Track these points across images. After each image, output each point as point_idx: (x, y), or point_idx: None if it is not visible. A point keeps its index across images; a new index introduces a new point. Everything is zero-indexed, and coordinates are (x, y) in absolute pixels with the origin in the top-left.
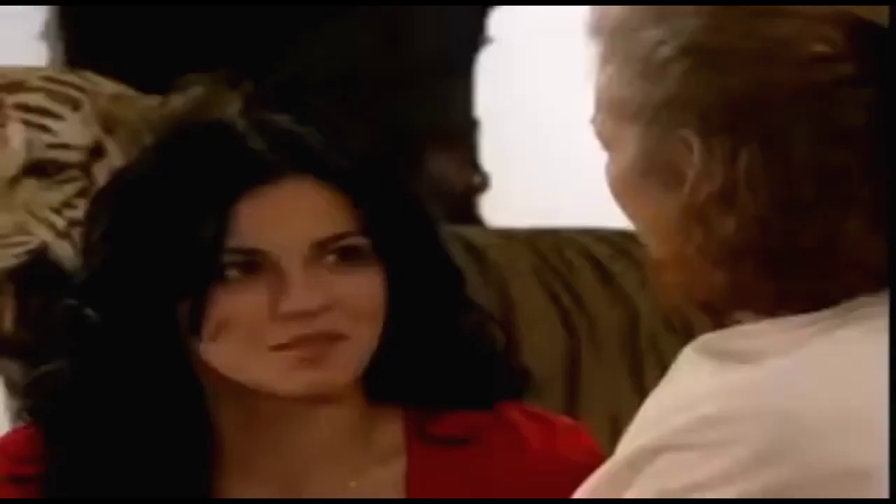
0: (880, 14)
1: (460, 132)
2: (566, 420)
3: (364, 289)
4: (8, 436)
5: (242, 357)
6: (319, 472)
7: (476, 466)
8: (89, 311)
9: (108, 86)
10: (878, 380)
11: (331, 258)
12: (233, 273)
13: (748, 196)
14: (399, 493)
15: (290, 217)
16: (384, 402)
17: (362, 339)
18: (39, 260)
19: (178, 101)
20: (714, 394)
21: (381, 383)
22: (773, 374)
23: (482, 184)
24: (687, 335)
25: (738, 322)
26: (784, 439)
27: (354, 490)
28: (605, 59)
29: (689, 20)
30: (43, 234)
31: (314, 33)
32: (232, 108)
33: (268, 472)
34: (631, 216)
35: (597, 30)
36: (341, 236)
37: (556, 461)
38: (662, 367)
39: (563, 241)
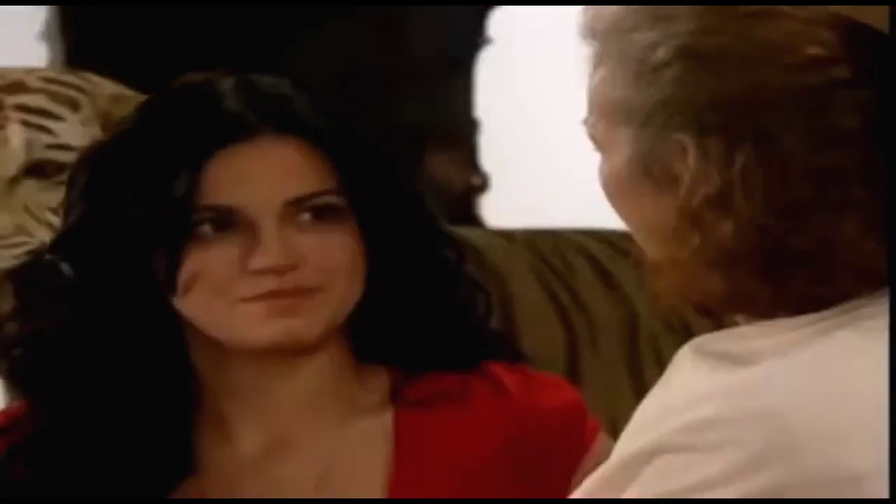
0: (880, 14)
1: (460, 132)
2: (549, 374)
3: (336, 246)
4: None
5: (212, 309)
6: (304, 424)
7: (461, 417)
8: (65, 267)
9: (108, 86)
10: (874, 382)
11: (305, 216)
12: (205, 229)
13: (744, 199)
14: (387, 443)
15: (264, 175)
16: (370, 361)
17: (336, 292)
18: (38, 260)
19: None
20: (711, 395)
21: (365, 343)
22: (770, 375)
23: (482, 184)
24: (686, 335)
25: (736, 323)
26: (781, 441)
27: (342, 439)
28: (598, 60)
29: (683, 23)
30: (42, 235)
31: (314, 33)
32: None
33: (251, 425)
34: (625, 218)
35: (590, 31)
36: (315, 195)
37: (538, 410)
38: (662, 367)
39: (562, 242)
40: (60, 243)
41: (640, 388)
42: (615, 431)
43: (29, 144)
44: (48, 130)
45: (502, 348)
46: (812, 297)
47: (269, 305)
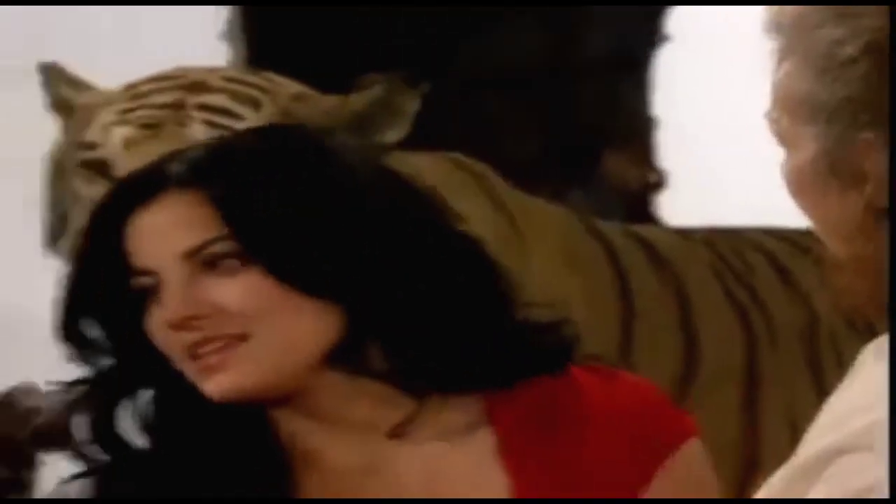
0: (880, 14)
1: (637, 131)
2: (631, 375)
3: (241, 292)
4: None
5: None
6: (400, 454)
7: (554, 425)
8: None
9: (289, 86)
10: None
11: (208, 267)
12: (141, 291)
13: None
14: (494, 463)
15: (159, 232)
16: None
17: (263, 338)
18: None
19: (357, 102)
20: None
21: (440, 373)
22: None
23: (659, 182)
24: (869, 335)
25: None
26: None
27: (447, 462)
28: (783, 55)
29: (871, 19)
30: None
31: (489, 33)
32: (410, 107)
33: (342, 445)
34: (808, 214)
35: (775, 25)
36: (207, 244)
37: (618, 410)
38: (842, 367)
39: (741, 240)
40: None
41: (820, 388)
42: (795, 430)
43: None
44: (230, 129)
45: (564, 345)
46: None
47: (199, 364)
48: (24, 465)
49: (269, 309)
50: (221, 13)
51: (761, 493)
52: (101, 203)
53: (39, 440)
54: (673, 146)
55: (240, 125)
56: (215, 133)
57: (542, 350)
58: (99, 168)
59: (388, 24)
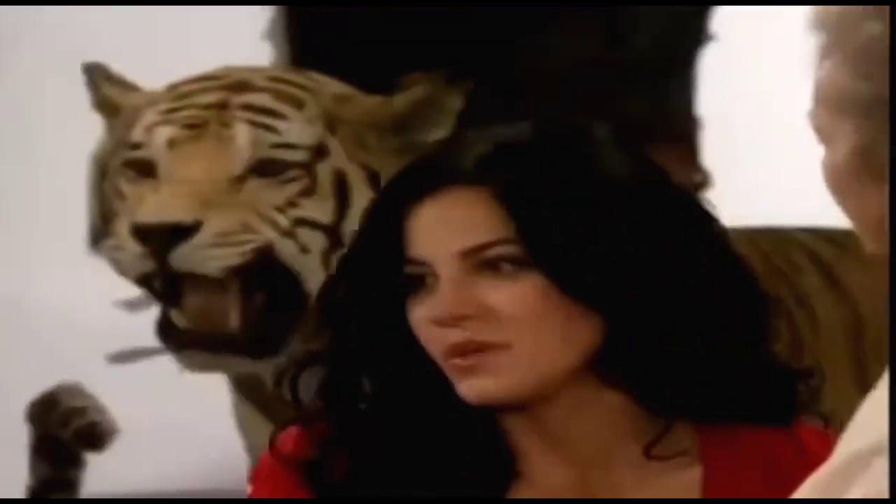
0: (880, 14)
1: (682, 130)
2: None
3: (517, 297)
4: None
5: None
6: (602, 466)
7: (766, 476)
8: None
9: (332, 85)
10: None
11: (484, 268)
12: (412, 282)
13: None
14: (697, 494)
15: (441, 227)
16: (676, 414)
17: (524, 348)
18: (264, 258)
19: (400, 101)
20: None
21: (667, 396)
22: None
23: (704, 182)
24: None
25: None
26: None
27: (652, 487)
28: (826, 52)
29: None
30: (267, 233)
31: (537, 33)
32: (453, 106)
33: (554, 460)
34: (845, 210)
35: (819, 23)
36: (489, 245)
37: None
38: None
39: (786, 241)
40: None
41: (865, 389)
42: (840, 431)
43: (254, 143)
44: (273, 129)
45: (809, 403)
46: None
47: (458, 364)
48: (69, 463)
49: (542, 315)
50: (265, 13)
51: (805, 487)
52: (384, 191)
53: (83, 439)
54: (717, 146)
55: (283, 125)
56: (259, 133)
57: (788, 395)
58: (143, 168)
59: (437, 23)
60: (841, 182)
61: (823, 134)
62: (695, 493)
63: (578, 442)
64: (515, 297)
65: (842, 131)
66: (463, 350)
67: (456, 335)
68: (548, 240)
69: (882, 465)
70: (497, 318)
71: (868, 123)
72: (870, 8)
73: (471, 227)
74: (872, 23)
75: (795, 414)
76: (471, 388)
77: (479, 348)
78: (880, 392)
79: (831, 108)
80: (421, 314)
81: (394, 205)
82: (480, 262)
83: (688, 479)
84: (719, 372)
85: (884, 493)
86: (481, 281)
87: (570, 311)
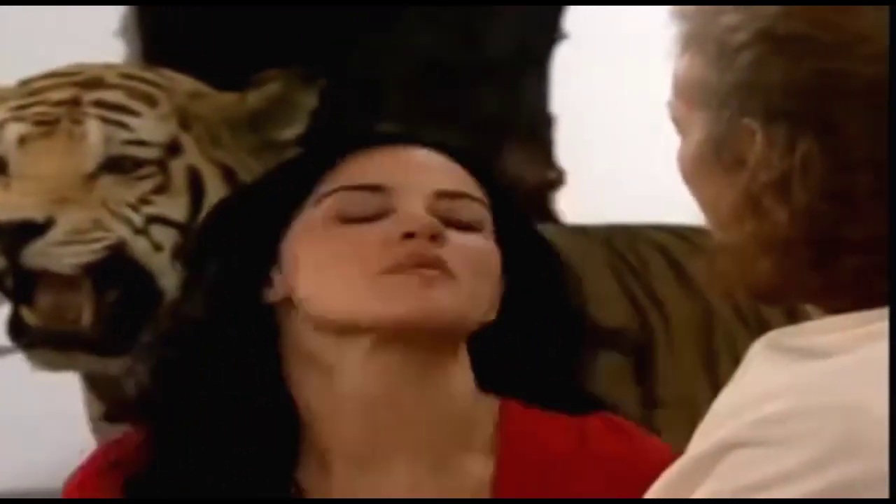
0: (880, 14)
1: (535, 128)
2: (651, 439)
3: (479, 244)
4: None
5: (350, 287)
6: (406, 462)
7: (560, 475)
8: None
9: (186, 82)
10: None
11: (450, 220)
12: (347, 209)
13: (801, 186)
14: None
15: (416, 165)
16: (485, 390)
17: (470, 285)
18: (116, 256)
19: (254, 98)
20: (785, 389)
21: (485, 373)
22: (842, 369)
23: (557, 180)
24: (761, 331)
25: (810, 317)
26: (854, 436)
27: (436, 488)
28: (685, 43)
29: (767, 7)
30: (120, 231)
31: (388, 31)
32: (308, 104)
33: (352, 460)
34: (696, 200)
35: (679, 15)
36: (465, 195)
37: (637, 472)
38: (737, 363)
39: (637, 237)
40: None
41: (716, 384)
42: (692, 427)
43: (107, 140)
44: (126, 126)
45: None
46: (863, 287)
47: (410, 277)
48: None
49: (489, 272)
50: (118, 10)
51: (657, 487)
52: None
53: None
54: (570, 144)
55: (136, 122)
56: (111, 130)
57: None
58: None
59: (287, 20)
60: (694, 172)
61: (680, 124)
62: (486, 487)
63: (384, 439)
64: (479, 247)
65: (696, 121)
66: (429, 262)
67: (424, 247)
68: (512, 211)
69: (743, 456)
70: (457, 253)
71: (720, 113)
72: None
73: (450, 174)
74: (728, 15)
75: (592, 406)
76: (429, 299)
77: (441, 267)
78: (736, 386)
79: (688, 99)
80: (372, 234)
81: (327, 151)
82: (450, 210)
83: (480, 475)
84: (546, 358)
85: (740, 488)
86: (447, 228)
87: (497, 281)
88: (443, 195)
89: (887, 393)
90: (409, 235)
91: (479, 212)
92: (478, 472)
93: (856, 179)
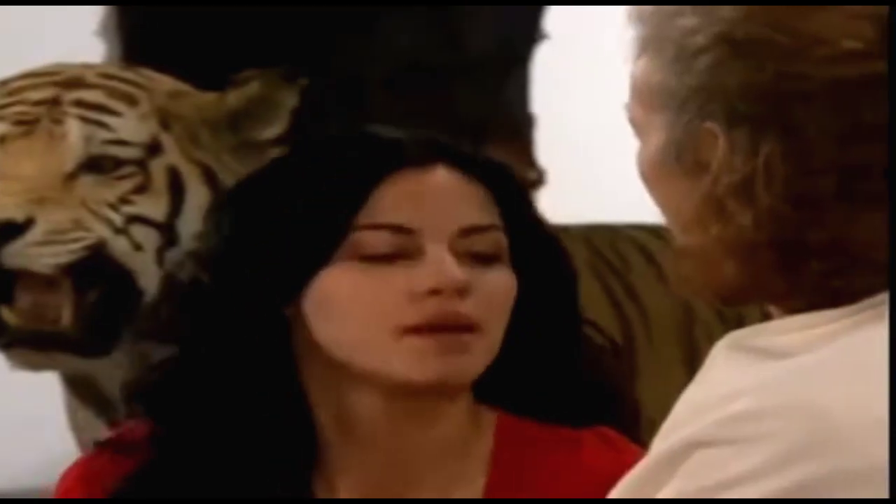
0: (834, 15)
1: (516, 128)
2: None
3: (500, 286)
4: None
5: (371, 339)
6: (423, 480)
7: (552, 491)
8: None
9: (165, 82)
10: None
11: (471, 253)
12: (370, 250)
13: (764, 189)
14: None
15: (437, 199)
16: (483, 403)
17: (491, 334)
18: (96, 256)
19: (234, 98)
20: (748, 389)
21: (485, 386)
22: (805, 368)
23: (538, 179)
24: (738, 327)
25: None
26: (818, 435)
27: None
28: (643, 46)
29: (727, 9)
30: (100, 230)
31: (368, 31)
32: (288, 103)
33: (365, 475)
34: (657, 203)
35: (636, 17)
36: (488, 227)
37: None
38: None
39: (617, 237)
40: (205, 264)
41: None
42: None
43: (86, 140)
44: (106, 126)
45: (614, 410)
46: (827, 290)
47: (438, 341)
48: None
49: (506, 311)
50: (98, 10)
51: (622, 486)
52: (355, 157)
53: None
54: (551, 144)
55: (116, 121)
56: (91, 129)
57: (587, 397)
58: None
59: (268, 20)
60: (654, 175)
61: (638, 128)
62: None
63: (418, 449)
64: (503, 284)
65: (655, 124)
66: (452, 324)
67: (439, 306)
68: (532, 233)
69: (707, 455)
70: (481, 299)
71: (679, 117)
72: (687, 3)
73: (471, 206)
74: (686, 18)
75: (591, 419)
76: (447, 364)
77: (467, 325)
78: (700, 385)
79: (646, 102)
80: (396, 282)
81: (351, 175)
82: (471, 243)
83: (474, 490)
84: (546, 371)
85: (704, 488)
86: (467, 264)
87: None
88: (466, 232)
89: (847, 391)
90: (436, 292)
91: (499, 241)
92: (471, 492)
93: (819, 182)
